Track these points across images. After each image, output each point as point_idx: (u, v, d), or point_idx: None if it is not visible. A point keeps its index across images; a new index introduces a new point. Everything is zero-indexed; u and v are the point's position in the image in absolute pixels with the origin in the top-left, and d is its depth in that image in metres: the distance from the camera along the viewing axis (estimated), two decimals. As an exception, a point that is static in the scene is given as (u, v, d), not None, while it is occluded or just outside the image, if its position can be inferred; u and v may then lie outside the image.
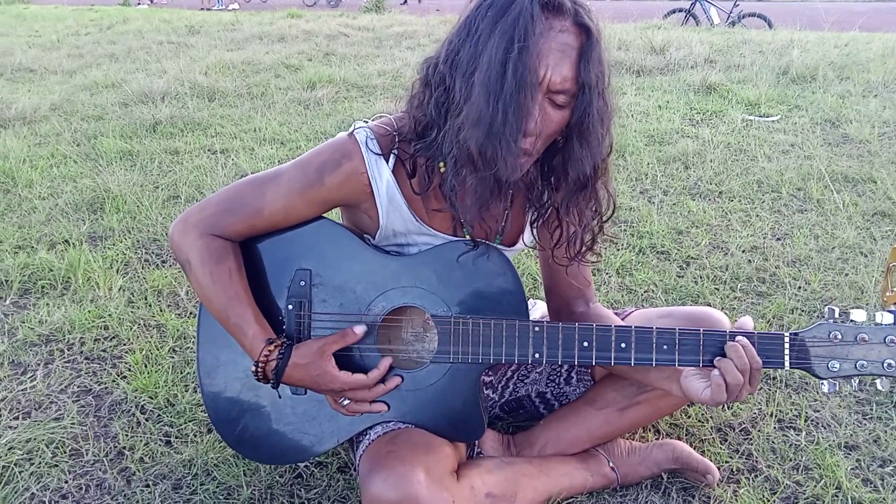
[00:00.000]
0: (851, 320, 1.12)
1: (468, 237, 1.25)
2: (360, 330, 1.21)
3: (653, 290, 2.21)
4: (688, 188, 3.10)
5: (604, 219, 1.24)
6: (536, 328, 1.19)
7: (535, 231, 1.32)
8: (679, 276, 2.31)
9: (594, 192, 1.20)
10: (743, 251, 2.47)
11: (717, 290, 2.21)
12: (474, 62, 1.03)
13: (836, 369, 1.12)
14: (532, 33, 0.99)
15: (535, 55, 1.00)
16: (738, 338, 1.13)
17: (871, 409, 1.65)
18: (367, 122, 1.22)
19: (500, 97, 1.00)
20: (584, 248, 1.26)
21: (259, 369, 1.18)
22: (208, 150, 3.78)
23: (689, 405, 1.63)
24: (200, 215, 1.22)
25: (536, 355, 1.19)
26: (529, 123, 1.03)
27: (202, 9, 15.03)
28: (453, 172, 1.12)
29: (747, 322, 1.18)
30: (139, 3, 17.72)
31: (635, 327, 1.18)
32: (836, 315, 1.13)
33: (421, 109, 1.14)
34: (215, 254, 1.20)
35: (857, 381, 1.14)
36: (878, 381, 1.13)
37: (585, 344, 1.18)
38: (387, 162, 1.19)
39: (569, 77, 1.04)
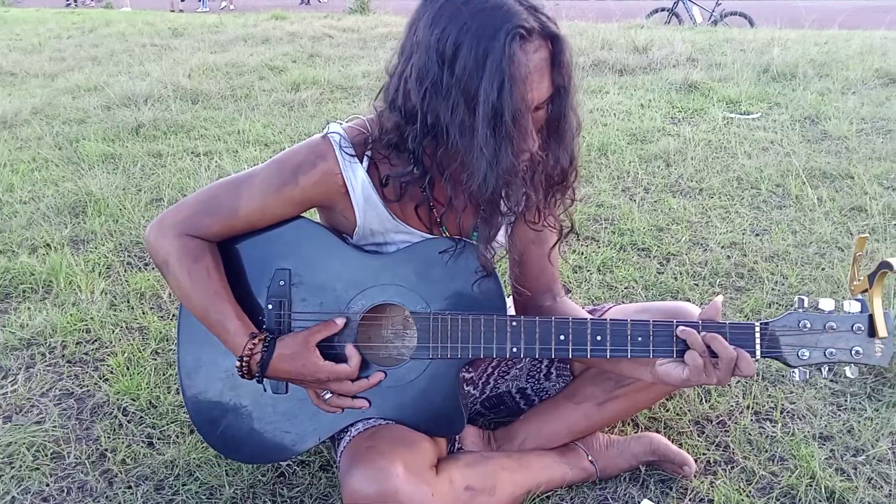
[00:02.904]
0: (820, 309, 1.15)
1: (445, 234, 1.27)
2: (340, 321, 1.23)
3: (633, 287, 2.23)
4: (669, 185, 3.13)
5: (574, 193, 1.27)
6: (514, 323, 1.21)
7: (513, 225, 1.34)
8: (659, 273, 2.33)
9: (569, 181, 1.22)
10: (722, 247, 2.51)
11: (697, 285, 2.23)
12: (464, 112, 1.03)
13: (805, 357, 1.15)
14: (518, 70, 1.00)
15: (522, 86, 1.01)
16: (681, 328, 1.16)
17: (846, 401, 1.68)
18: (340, 124, 1.23)
19: (504, 144, 1.02)
20: (564, 234, 1.32)
21: (244, 364, 1.19)
22: (192, 153, 3.77)
23: (667, 399, 1.66)
24: (176, 217, 1.23)
25: (514, 349, 1.21)
26: (529, 143, 1.07)
27: (172, 10, 14.97)
28: (464, 213, 1.18)
29: (717, 301, 1.20)
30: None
31: (610, 320, 1.20)
32: (806, 304, 1.15)
33: (394, 135, 1.14)
34: (192, 253, 1.21)
35: (828, 368, 1.16)
36: (846, 368, 1.15)
37: (562, 337, 1.20)
38: (361, 163, 1.20)
39: (547, 89, 1.07)
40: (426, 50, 1.04)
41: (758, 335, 1.15)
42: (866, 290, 1.15)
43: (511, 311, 1.49)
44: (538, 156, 1.13)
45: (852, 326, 1.13)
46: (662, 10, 10.36)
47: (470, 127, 1.03)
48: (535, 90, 1.04)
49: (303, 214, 1.27)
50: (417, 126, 1.09)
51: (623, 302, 2.12)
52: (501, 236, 1.35)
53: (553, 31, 1.05)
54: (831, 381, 1.75)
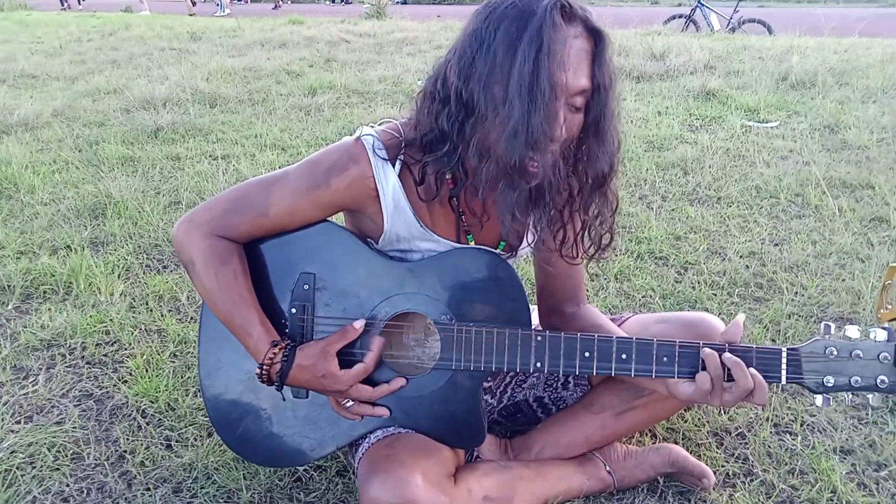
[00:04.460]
0: (846, 336, 1.14)
1: (471, 244, 1.27)
2: (359, 325, 1.22)
3: (651, 296, 2.22)
4: (686, 194, 3.11)
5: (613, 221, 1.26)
6: (539, 338, 1.20)
7: (540, 232, 1.32)
8: (677, 282, 2.32)
9: (609, 189, 1.21)
10: (741, 257, 2.49)
11: (715, 295, 2.22)
12: (499, 75, 1.03)
13: (830, 384, 1.13)
14: (556, 40, 1.01)
15: (560, 62, 1.02)
16: (705, 350, 1.15)
17: (867, 414, 1.66)
18: (373, 127, 1.24)
19: (536, 108, 1.01)
20: (602, 245, 1.28)
21: (263, 371, 1.19)
22: (209, 156, 3.80)
23: (685, 409, 1.64)
24: (206, 216, 1.22)
25: (538, 364, 1.20)
26: (556, 129, 1.05)
27: (190, 14, 15.14)
28: (488, 186, 1.12)
29: (739, 320, 1.18)
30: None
31: (636, 339, 1.19)
32: (832, 331, 1.15)
33: (429, 124, 1.14)
34: (220, 255, 1.21)
35: (851, 395, 1.15)
36: (870, 396, 1.14)
37: (587, 354, 1.19)
38: (393, 167, 1.20)
39: (586, 80, 1.06)
40: (470, 33, 1.07)
41: (784, 361, 1.14)
42: (894, 319, 1.14)
43: (535, 315, 1.49)
44: (573, 153, 1.13)
45: (878, 355, 1.12)
46: (680, 16, 10.33)
47: (503, 89, 1.03)
48: (571, 73, 1.03)
49: (329, 218, 1.27)
50: (453, 104, 1.09)
51: (641, 311, 2.11)
52: (533, 238, 1.34)
53: (596, 27, 1.06)
54: (850, 404, 1.73)
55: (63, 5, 19.70)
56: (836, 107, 4.48)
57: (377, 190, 1.20)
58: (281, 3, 20.41)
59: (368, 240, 1.29)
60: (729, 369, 1.13)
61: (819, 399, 1.15)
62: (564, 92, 1.04)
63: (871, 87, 4.94)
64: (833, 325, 1.14)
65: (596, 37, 1.06)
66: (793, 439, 1.58)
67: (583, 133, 1.12)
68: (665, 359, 1.17)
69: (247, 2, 22.86)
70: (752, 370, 1.12)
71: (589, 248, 1.28)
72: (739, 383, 1.12)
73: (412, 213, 1.22)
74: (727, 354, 1.14)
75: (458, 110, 1.10)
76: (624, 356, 1.18)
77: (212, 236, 1.21)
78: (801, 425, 1.63)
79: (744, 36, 8.42)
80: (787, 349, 1.15)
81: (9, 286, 2.30)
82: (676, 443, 1.54)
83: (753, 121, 4.31)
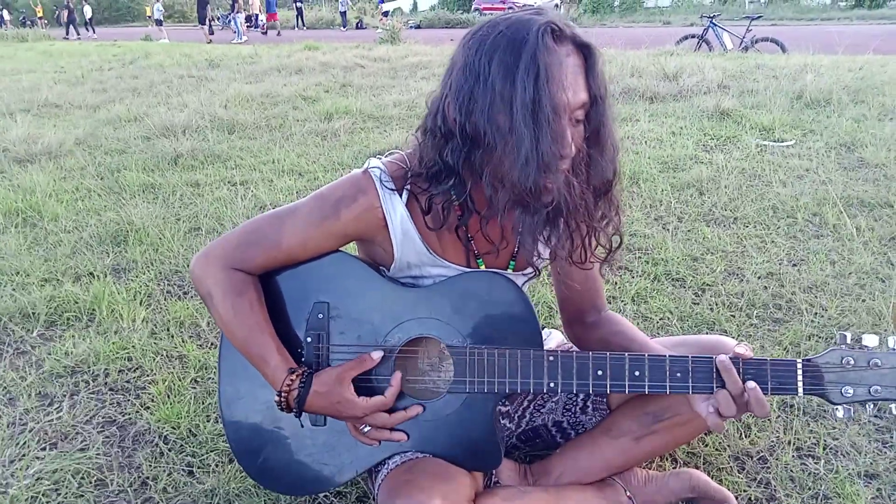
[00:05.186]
0: (864, 345, 1.13)
1: (482, 268, 1.28)
2: (376, 355, 1.24)
3: (668, 318, 2.22)
4: (702, 214, 3.11)
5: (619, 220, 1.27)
6: (551, 357, 1.21)
7: (554, 246, 1.33)
8: (694, 304, 2.31)
9: (613, 193, 1.23)
10: (758, 277, 2.48)
11: (733, 317, 2.21)
12: (500, 105, 1.05)
13: (849, 395, 1.13)
14: (552, 63, 1.04)
15: (559, 83, 1.04)
16: (721, 357, 1.16)
17: (892, 437, 1.64)
18: (380, 159, 1.26)
19: (543, 132, 1.03)
20: (613, 247, 1.28)
21: (282, 399, 1.21)
22: (228, 183, 3.86)
23: (706, 433, 1.63)
24: (221, 249, 1.26)
25: (551, 384, 1.21)
26: (566, 148, 1.07)
27: (208, 42, 15.49)
28: (506, 213, 1.14)
29: (741, 348, 1.19)
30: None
31: (648, 355, 1.19)
32: (849, 340, 1.14)
33: (433, 159, 1.16)
34: (237, 287, 1.24)
35: (872, 406, 1.14)
36: (892, 405, 1.13)
37: (599, 373, 1.20)
38: (400, 197, 1.23)
39: (584, 94, 1.09)
40: (463, 67, 1.09)
41: (800, 372, 1.14)
42: None
43: (552, 339, 1.49)
44: (580, 165, 1.14)
45: None
46: (692, 36, 10.35)
47: (508, 118, 1.05)
48: (570, 90, 1.06)
49: (341, 248, 1.30)
50: (457, 139, 1.11)
51: (659, 334, 2.10)
52: (545, 251, 1.35)
53: (585, 41, 1.09)
54: (875, 416, 1.71)
55: (67, 34, 20.20)
56: (852, 125, 4.47)
57: (385, 219, 1.23)
58: (272, 29, 21.31)
59: (381, 268, 1.31)
60: (721, 375, 1.13)
61: (840, 410, 1.14)
62: (567, 110, 1.07)
63: (887, 105, 4.92)
64: (849, 335, 1.13)
65: (585, 51, 1.09)
66: (816, 463, 1.57)
67: (585, 143, 1.15)
68: (679, 374, 1.17)
69: (264, 29, 23.50)
70: (750, 383, 1.12)
71: (597, 249, 1.29)
72: (728, 386, 1.12)
73: (421, 240, 1.25)
74: (720, 357, 1.14)
75: (464, 144, 1.12)
76: (637, 373, 1.18)
77: (228, 269, 1.25)
78: (824, 449, 1.61)
79: (757, 55, 8.43)
80: (803, 360, 1.14)
81: (34, 313, 2.34)
82: (697, 467, 1.53)
83: (769, 140, 4.30)
